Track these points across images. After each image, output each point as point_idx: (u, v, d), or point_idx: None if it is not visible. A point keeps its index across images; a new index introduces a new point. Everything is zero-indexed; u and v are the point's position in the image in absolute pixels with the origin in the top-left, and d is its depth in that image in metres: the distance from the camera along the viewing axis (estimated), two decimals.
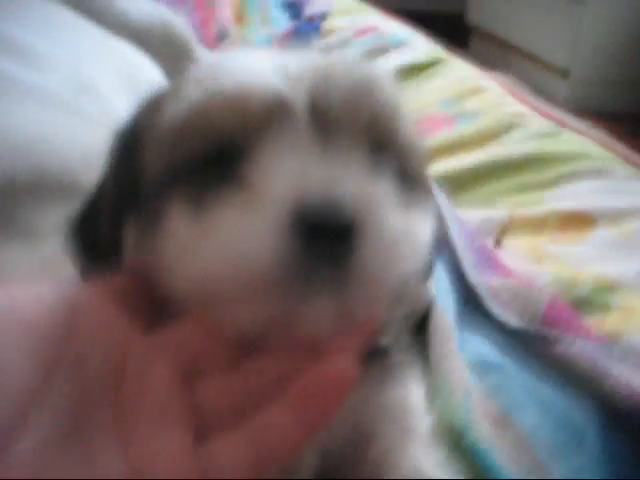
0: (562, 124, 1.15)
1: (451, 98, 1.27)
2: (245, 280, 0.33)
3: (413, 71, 1.46)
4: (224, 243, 0.34)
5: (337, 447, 0.49)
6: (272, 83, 0.39)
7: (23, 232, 0.62)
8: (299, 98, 0.38)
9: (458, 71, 1.38)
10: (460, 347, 0.69)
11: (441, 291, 0.74)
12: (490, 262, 0.81)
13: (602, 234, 0.86)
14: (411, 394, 0.54)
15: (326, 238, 0.32)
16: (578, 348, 0.64)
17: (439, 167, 1.07)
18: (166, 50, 1.29)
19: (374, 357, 0.47)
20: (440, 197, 0.92)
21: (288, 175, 0.34)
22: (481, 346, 0.69)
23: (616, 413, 0.58)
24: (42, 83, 0.77)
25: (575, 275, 0.78)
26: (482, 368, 0.65)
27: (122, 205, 0.43)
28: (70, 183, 0.65)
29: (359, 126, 0.39)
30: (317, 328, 0.34)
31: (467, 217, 0.94)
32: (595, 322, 0.71)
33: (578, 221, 0.89)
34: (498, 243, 0.89)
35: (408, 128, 0.43)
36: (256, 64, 0.41)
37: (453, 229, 0.85)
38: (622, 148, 1.10)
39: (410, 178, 0.42)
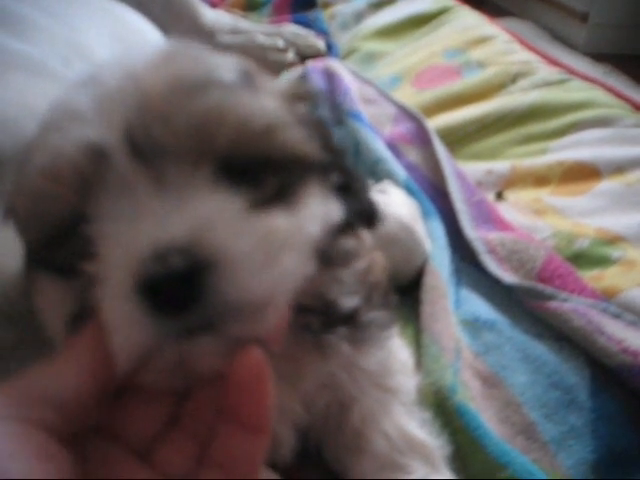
0: (570, 72, 1.11)
1: (457, 48, 1.23)
2: (129, 357, 0.32)
3: (421, 21, 1.43)
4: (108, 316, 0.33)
5: (317, 420, 0.50)
6: (79, 139, 0.35)
7: None
8: (113, 139, 0.34)
9: (465, 20, 1.34)
10: (456, 304, 0.68)
11: (437, 248, 0.73)
12: (489, 216, 0.79)
13: (606, 186, 0.83)
14: (392, 354, 0.53)
15: (175, 290, 0.31)
16: (572, 305, 0.62)
17: (443, 120, 1.05)
18: (167, 13, 1.27)
19: (340, 322, 0.46)
20: (441, 151, 0.90)
21: (119, 241, 0.32)
22: (476, 304, 0.68)
23: (607, 371, 0.57)
24: (29, 52, 0.76)
25: (575, 228, 0.77)
26: (475, 326, 0.64)
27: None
28: None
29: (185, 139, 0.35)
30: (210, 360, 0.33)
31: (470, 170, 0.92)
32: (593, 277, 0.69)
33: (581, 173, 0.87)
34: (500, 196, 0.87)
35: (261, 113, 0.37)
36: (71, 116, 0.36)
37: (452, 184, 0.83)
38: (632, 96, 1.06)
39: (276, 169, 0.38)
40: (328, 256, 0.42)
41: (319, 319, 0.45)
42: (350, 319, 0.47)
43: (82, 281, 0.34)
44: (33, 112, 0.66)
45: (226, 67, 0.38)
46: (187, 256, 0.31)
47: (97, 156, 0.34)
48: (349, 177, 0.44)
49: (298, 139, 0.39)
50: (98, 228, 0.34)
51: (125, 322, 0.32)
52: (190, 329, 0.31)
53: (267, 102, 0.38)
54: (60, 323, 0.36)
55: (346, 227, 0.43)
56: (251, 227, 0.33)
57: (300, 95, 0.44)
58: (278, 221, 0.35)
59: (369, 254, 0.52)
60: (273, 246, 0.34)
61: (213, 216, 0.32)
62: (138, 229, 0.32)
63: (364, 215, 0.46)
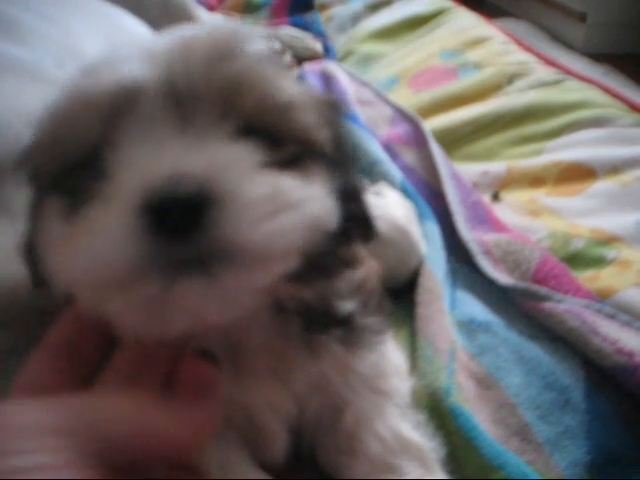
0: (567, 72, 1.11)
1: (453, 49, 1.23)
2: (112, 274, 0.33)
3: (418, 22, 1.43)
4: (88, 241, 0.34)
5: (310, 422, 0.50)
6: (120, 72, 0.38)
7: (6, 211, 0.62)
8: (152, 80, 0.37)
9: (462, 21, 1.34)
10: (451, 306, 0.68)
11: (432, 249, 0.73)
12: (485, 217, 0.79)
13: (601, 186, 0.83)
14: (385, 357, 0.53)
15: (178, 217, 0.32)
16: (567, 306, 0.62)
17: (439, 121, 1.05)
18: (164, 16, 1.27)
19: (335, 324, 0.46)
20: (437, 152, 0.90)
21: (137, 165, 0.34)
22: (472, 305, 0.68)
23: (602, 372, 0.57)
24: (22, 56, 0.76)
25: (571, 229, 0.77)
26: (471, 328, 0.64)
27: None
28: None
29: (218, 94, 0.38)
30: (192, 306, 0.33)
31: (466, 171, 0.92)
32: (588, 277, 0.69)
33: (577, 173, 0.87)
34: (496, 197, 0.87)
35: (285, 90, 0.40)
36: (117, 56, 0.40)
37: (447, 185, 0.83)
38: (628, 95, 1.06)
39: (293, 142, 0.40)
40: (326, 265, 0.43)
41: (314, 319, 0.45)
42: (345, 323, 0.47)
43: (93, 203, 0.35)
44: (27, 116, 0.66)
45: (261, 44, 0.41)
46: (196, 187, 0.32)
47: (134, 89, 0.37)
48: (350, 185, 0.45)
49: (313, 124, 0.41)
50: (119, 155, 0.36)
51: (120, 233, 0.33)
52: (182, 262, 0.32)
53: (291, 83, 0.41)
54: (66, 266, 0.36)
55: (342, 236, 0.43)
56: (262, 180, 0.35)
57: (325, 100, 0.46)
58: (288, 183, 0.37)
59: (365, 262, 0.53)
60: (279, 204, 0.35)
61: (229, 161, 0.35)
62: (156, 158, 0.34)
63: (360, 227, 0.47)
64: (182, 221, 0.32)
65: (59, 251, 0.37)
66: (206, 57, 0.38)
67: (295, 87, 0.41)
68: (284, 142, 0.39)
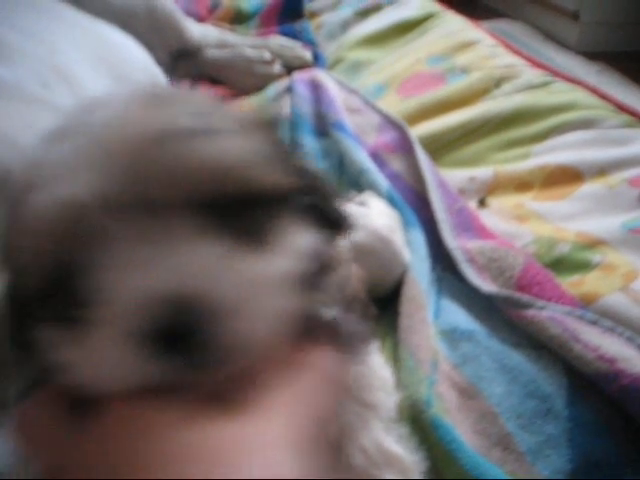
0: (555, 73, 1.11)
1: (440, 54, 1.23)
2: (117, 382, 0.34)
3: (406, 28, 1.43)
4: (89, 359, 0.35)
5: None
6: (62, 190, 0.35)
7: None
8: (91, 198, 0.35)
9: (449, 25, 1.34)
10: (435, 315, 0.68)
11: (416, 258, 0.73)
12: (470, 224, 0.79)
13: (587, 189, 0.83)
14: (372, 370, 0.53)
15: (178, 337, 0.33)
16: (549, 313, 0.62)
17: (427, 127, 1.05)
18: (152, 29, 1.28)
19: (319, 329, 0.46)
20: (423, 159, 0.90)
21: (124, 288, 0.34)
22: (455, 313, 0.68)
23: (584, 379, 0.57)
24: (7, 76, 0.77)
25: (556, 233, 0.76)
26: (453, 337, 0.64)
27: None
28: None
29: (171, 187, 0.36)
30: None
31: (453, 177, 0.92)
32: (573, 283, 0.69)
33: (564, 176, 0.87)
34: (483, 203, 0.87)
35: (214, 163, 0.37)
36: (43, 177, 0.37)
37: (433, 193, 0.83)
38: (621, 92, 1.06)
39: (252, 206, 0.38)
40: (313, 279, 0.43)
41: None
42: (330, 327, 0.47)
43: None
44: (8, 138, 0.66)
45: (184, 113, 0.38)
46: (191, 309, 0.32)
47: (75, 212, 0.35)
48: (318, 194, 0.45)
49: (264, 172, 0.39)
50: (96, 278, 0.35)
51: (116, 359, 0.33)
52: (179, 369, 0.33)
53: (227, 143, 0.39)
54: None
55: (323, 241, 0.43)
56: (238, 272, 0.35)
57: (261, 123, 0.44)
58: (262, 265, 0.36)
59: (346, 265, 0.53)
60: (259, 290, 0.35)
61: (211, 266, 0.34)
62: (140, 277, 0.33)
63: (334, 225, 0.47)
64: (183, 341, 0.33)
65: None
66: (133, 152, 0.36)
67: (231, 143, 0.39)
68: (243, 211, 0.38)
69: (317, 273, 0.45)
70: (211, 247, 0.35)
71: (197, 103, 0.41)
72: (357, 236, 0.67)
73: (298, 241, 0.39)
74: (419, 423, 0.54)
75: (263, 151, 0.40)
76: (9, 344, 0.43)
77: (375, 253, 0.68)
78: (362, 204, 0.77)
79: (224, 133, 0.39)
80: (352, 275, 0.55)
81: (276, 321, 0.36)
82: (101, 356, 0.34)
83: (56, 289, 0.37)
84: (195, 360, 0.33)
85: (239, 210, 0.38)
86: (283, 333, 0.37)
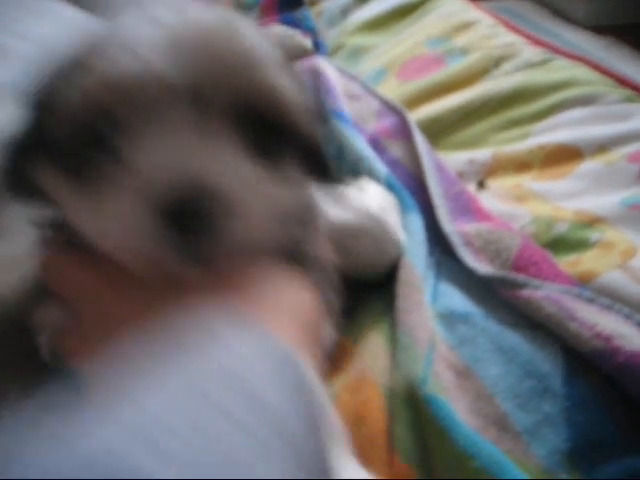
0: (555, 50, 1.09)
1: (439, 36, 1.22)
2: (126, 247, 0.39)
3: (406, 11, 1.42)
4: (102, 219, 0.39)
5: None
6: (148, 62, 0.39)
7: None
8: (179, 76, 0.39)
9: (448, 6, 1.33)
10: (433, 298, 0.68)
11: (413, 242, 0.73)
12: (468, 207, 0.79)
13: (587, 167, 0.83)
14: None
15: (190, 220, 0.37)
16: (544, 292, 0.62)
17: (427, 110, 1.04)
18: None
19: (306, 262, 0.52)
20: (421, 144, 0.90)
21: (156, 160, 0.38)
22: (453, 296, 0.68)
23: (581, 358, 0.57)
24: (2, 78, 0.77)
25: (555, 213, 0.76)
26: (450, 319, 0.64)
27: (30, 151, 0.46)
28: None
29: (233, 101, 0.41)
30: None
31: (452, 160, 0.92)
32: (571, 262, 0.69)
33: (563, 155, 0.86)
34: (481, 185, 0.87)
35: (287, 92, 0.44)
36: (138, 39, 0.41)
37: (431, 178, 0.83)
38: (624, 70, 1.05)
39: (285, 138, 0.45)
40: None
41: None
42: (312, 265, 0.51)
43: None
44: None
45: (252, 39, 0.43)
46: (209, 196, 0.37)
47: (162, 82, 0.39)
48: (316, 142, 0.50)
49: (300, 111, 0.46)
50: (136, 143, 0.39)
51: (135, 224, 0.38)
52: (186, 256, 0.38)
53: (282, 75, 0.45)
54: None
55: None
56: (261, 188, 0.41)
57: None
58: (281, 190, 0.43)
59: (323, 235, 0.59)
60: (271, 213, 0.42)
61: (237, 172, 0.39)
62: (175, 157, 0.38)
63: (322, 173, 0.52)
64: (193, 224, 0.37)
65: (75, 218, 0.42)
66: (229, 63, 0.41)
67: (293, 88, 0.45)
68: (277, 139, 0.44)
69: (305, 214, 0.51)
70: (237, 156, 0.40)
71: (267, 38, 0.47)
72: (350, 217, 0.69)
73: (297, 179, 0.46)
74: (413, 400, 0.54)
75: (302, 93, 0.47)
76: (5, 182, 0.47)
77: (368, 234, 0.69)
78: (359, 189, 0.77)
79: (280, 65, 0.46)
80: (328, 248, 0.58)
81: (271, 234, 0.42)
82: (113, 217, 0.38)
83: (84, 142, 0.41)
84: (199, 244, 0.38)
85: (268, 135, 0.43)
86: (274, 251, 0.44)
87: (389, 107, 1.03)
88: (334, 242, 0.68)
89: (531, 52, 1.10)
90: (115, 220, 0.38)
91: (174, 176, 0.37)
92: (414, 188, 0.84)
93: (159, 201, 0.37)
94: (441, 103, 1.05)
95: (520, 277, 0.65)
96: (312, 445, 0.33)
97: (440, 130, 0.99)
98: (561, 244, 0.71)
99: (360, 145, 0.92)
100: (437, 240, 0.77)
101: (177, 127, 0.39)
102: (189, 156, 0.38)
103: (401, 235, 0.73)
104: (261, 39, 0.45)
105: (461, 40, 1.18)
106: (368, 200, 0.73)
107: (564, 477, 0.51)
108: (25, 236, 0.53)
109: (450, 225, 0.76)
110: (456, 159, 0.92)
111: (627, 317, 0.60)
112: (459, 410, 0.55)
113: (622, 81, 0.98)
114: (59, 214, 0.46)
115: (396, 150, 0.94)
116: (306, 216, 0.50)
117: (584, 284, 0.65)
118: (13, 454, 0.25)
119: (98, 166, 0.40)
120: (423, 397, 0.53)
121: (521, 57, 1.08)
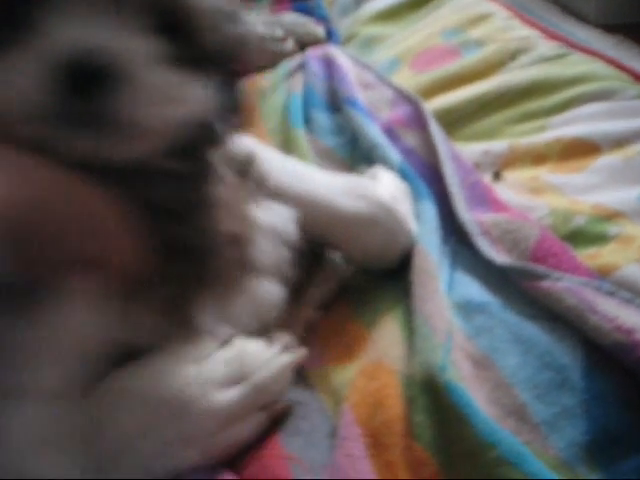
0: (571, 45, 1.09)
1: (455, 28, 1.21)
2: (19, 113, 0.39)
3: (421, 2, 1.41)
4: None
5: None
6: None
7: None
8: None
9: None
10: (449, 287, 0.67)
11: (426, 230, 0.72)
12: (484, 197, 0.78)
13: (604, 161, 0.82)
14: None
15: (86, 83, 0.38)
16: (565, 284, 0.61)
17: (441, 101, 1.04)
18: None
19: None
20: (437, 133, 0.89)
21: (61, 29, 0.39)
22: (469, 286, 0.67)
23: (601, 351, 0.57)
24: None
25: (572, 206, 0.75)
26: (468, 309, 0.64)
27: None
28: None
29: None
30: (85, 149, 0.41)
31: (467, 151, 0.91)
32: (590, 255, 0.68)
33: (580, 149, 0.85)
34: (497, 176, 0.86)
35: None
36: None
37: (447, 167, 0.82)
38: (634, 66, 1.04)
39: (196, 44, 0.46)
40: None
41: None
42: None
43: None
44: None
45: None
46: (109, 63, 0.39)
47: None
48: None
49: (218, 28, 0.48)
50: (43, 15, 0.40)
51: (32, 81, 0.38)
52: (80, 120, 0.40)
53: None
54: None
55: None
56: (161, 74, 0.42)
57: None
58: (180, 80, 0.44)
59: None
60: (168, 95, 0.43)
61: (142, 50, 0.41)
62: (80, 29, 0.40)
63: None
64: (89, 87, 0.38)
65: None
66: None
67: None
68: (189, 44, 0.45)
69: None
70: (145, 44, 0.42)
71: None
72: (361, 206, 0.68)
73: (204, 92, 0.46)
74: (433, 387, 0.53)
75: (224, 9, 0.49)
76: None
77: (379, 222, 0.69)
78: (372, 177, 0.77)
79: None
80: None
81: (162, 128, 0.43)
82: (8, 74, 0.39)
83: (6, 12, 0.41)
84: (95, 110, 0.39)
85: (182, 44, 0.44)
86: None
87: (403, 96, 1.02)
88: (343, 231, 0.68)
89: (547, 46, 1.09)
90: (10, 77, 0.39)
91: (78, 43, 0.38)
92: (429, 177, 0.84)
93: (57, 62, 0.38)
94: (456, 94, 1.04)
95: (540, 268, 0.64)
96: None
97: (455, 121, 0.99)
98: (579, 237, 0.71)
99: (374, 133, 0.91)
100: (452, 229, 0.76)
101: (93, 6, 0.40)
102: (98, 31, 0.40)
103: (413, 225, 0.72)
104: None
105: (476, 32, 1.17)
106: (380, 189, 0.72)
107: (582, 470, 0.51)
108: None
109: (467, 214, 0.75)
110: (471, 150, 0.91)
111: None
112: (478, 400, 0.54)
113: (638, 77, 0.98)
114: None
115: (410, 139, 0.93)
116: (206, 133, 0.49)
117: (603, 277, 0.65)
118: None
119: (3, 29, 0.41)
120: (443, 384, 0.53)
121: (537, 51, 1.07)
